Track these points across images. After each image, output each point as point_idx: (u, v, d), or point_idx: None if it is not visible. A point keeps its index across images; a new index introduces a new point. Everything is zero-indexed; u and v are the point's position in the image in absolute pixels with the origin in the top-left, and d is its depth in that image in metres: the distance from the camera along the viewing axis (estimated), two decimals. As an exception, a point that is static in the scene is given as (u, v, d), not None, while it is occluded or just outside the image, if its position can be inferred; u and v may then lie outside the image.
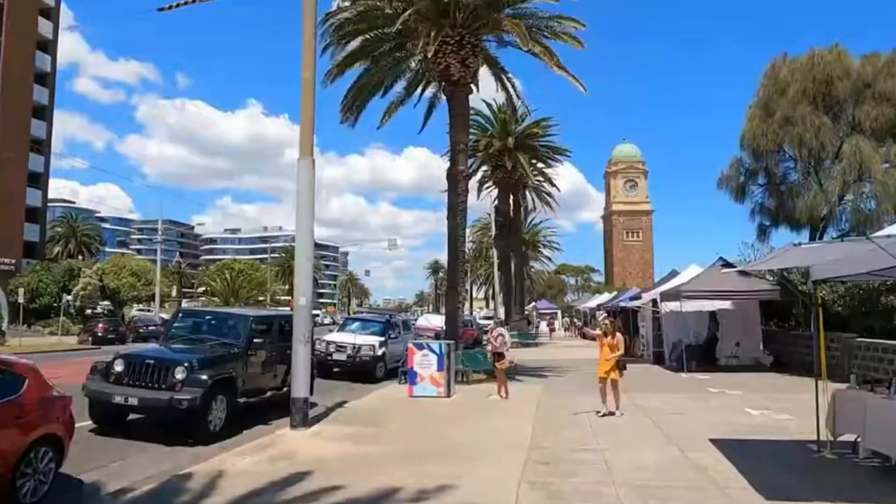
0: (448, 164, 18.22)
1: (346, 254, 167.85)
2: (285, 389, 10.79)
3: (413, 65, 19.12)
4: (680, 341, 19.57)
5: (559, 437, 9.22)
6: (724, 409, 11.81)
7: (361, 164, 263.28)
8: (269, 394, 10.99)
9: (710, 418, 10.70)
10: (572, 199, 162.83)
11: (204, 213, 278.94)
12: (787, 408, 11.56)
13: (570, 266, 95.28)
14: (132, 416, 9.62)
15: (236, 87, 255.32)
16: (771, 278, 20.11)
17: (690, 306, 19.70)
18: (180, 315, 12.35)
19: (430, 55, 15.66)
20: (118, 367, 9.23)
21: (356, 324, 19.77)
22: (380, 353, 17.28)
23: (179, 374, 8.90)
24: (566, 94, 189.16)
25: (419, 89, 20.44)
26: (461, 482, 6.64)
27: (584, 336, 35.93)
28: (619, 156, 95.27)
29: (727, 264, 20.11)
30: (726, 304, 20.52)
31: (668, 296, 20.56)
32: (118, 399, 8.87)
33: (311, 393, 11.70)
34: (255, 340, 10.54)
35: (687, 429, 9.70)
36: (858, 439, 7.75)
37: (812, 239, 18.82)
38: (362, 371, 16.97)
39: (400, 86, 19.92)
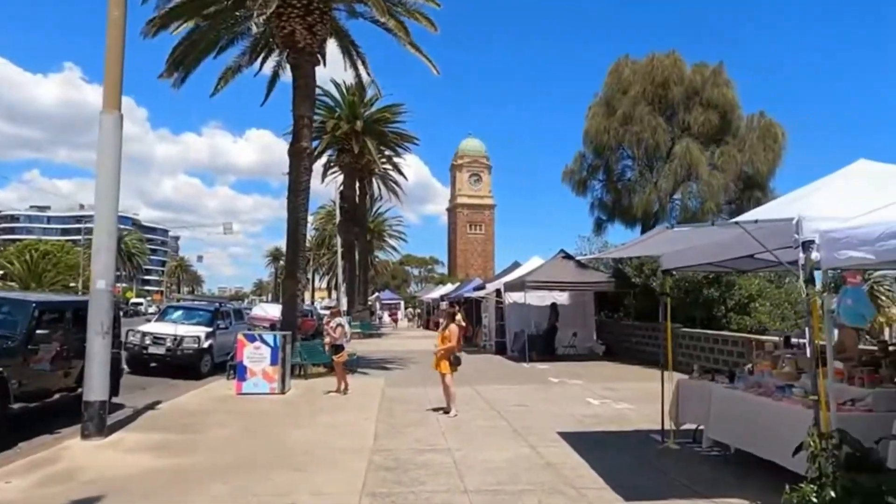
0: (291, 140, 16.72)
1: (177, 238, 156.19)
2: (80, 390, 8.94)
3: (254, 28, 17.30)
4: (522, 331, 19.79)
5: (404, 436, 8.45)
6: (568, 399, 11.79)
7: (198, 143, 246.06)
8: (57, 396, 9.08)
9: (556, 410, 10.56)
10: (419, 192, 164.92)
11: (6, 186, 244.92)
12: (625, 396, 11.84)
13: (414, 257, 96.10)
14: None
15: (50, 48, 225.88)
16: (606, 270, 21.08)
17: (533, 297, 20.00)
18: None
19: (271, 15, 14.13)
20: None
21: (179, 312, 17.54)
22: (205, 345, 15.44)
23: (-79, 375, 6.88)
24: (414, 90, 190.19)
25: (261, 57, 18.73)
26: (290, 499, 5.60)
27: (427, 326, 35.86)
28: (464, 149, 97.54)
29: (567, 256, 20.78)
30: (565, 295, 21.16)
31: (512, 286, 20.74)
32: None
33: (117, 394, 10.06)
34: (40, 332, 8.61)
35: (535, 421, 9.42)
36: (701, 428, 7.81)
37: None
38: (185, 365, 15.10)
39: (239, 49, 18.08)
